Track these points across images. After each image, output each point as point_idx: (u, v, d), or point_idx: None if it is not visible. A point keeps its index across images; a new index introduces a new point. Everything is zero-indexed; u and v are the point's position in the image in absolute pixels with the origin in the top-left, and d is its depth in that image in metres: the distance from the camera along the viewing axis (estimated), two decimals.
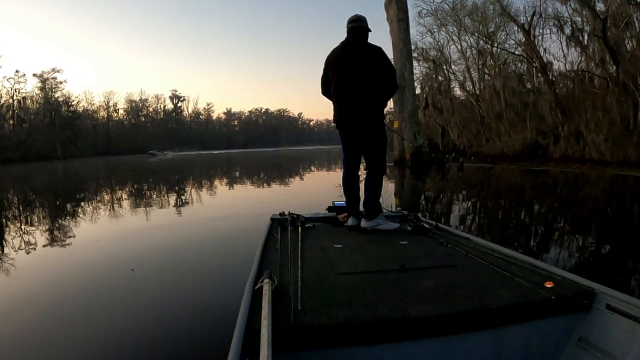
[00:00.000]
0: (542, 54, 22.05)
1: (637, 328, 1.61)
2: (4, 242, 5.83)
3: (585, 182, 12.33)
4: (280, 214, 3.73)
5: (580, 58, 21.03)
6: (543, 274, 2.06)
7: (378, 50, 3.59)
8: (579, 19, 20.48)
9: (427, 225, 3.35)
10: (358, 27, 3.61)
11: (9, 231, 6.80)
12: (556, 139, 19.75)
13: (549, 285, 1.89)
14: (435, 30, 28.87)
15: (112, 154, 78.16)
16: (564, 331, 1.82)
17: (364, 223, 3.49)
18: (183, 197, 11.15)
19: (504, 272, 2.13)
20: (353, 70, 3.54)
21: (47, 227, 7.11)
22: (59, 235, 6.26)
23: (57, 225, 7.28)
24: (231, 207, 9.19)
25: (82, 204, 10.42)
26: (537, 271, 2.11)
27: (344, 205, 3.83)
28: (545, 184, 12.63)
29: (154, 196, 11.88)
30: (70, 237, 6.07)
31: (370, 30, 3.66)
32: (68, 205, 10.22)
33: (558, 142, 19.50)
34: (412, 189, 11.87)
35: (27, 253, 5.09)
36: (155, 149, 75.92)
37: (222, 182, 16.46)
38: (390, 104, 25.45)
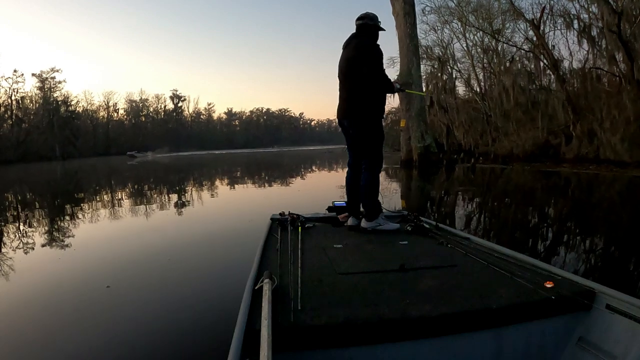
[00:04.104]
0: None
1: (637, 328, 1.61)
2: None
3: (607, 183, 11.81)
4: (280, 214, 3.72)
5: (587, 56, 20.48)
6: (543, 274, 2.05)
7: (365, 46, 3.57)
8: (587, 15, 19.99)
9: (427, 225, 3.35)
10: (359, 24, 3.67)
11: None
12: (568, 138, 19.06)
13: (549, 285, 1.89)
14: (438, 27, 28.36)
15: (112, 154, 77.16)
16: (564, 331, 1.82)
17: (364, 224, 3.50)
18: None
19: (504, 272, 2.13)
20: (343, 67, 3.66)
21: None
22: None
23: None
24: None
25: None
26: (537, 271, 2.11)
27: (344, 205, 3.88)
28: (565, 186, 12.02)
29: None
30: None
31: (371, 26, 3.66)
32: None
33: (570, 142, 18.80)
34: (421, 192, 11.26)
35: None
36: (135, 149, 70.86)
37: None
38: (396, 102, 24.79)
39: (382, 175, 13.52)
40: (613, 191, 10.51)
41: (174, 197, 11.55)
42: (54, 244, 5.80)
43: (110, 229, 6.97)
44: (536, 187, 11.95)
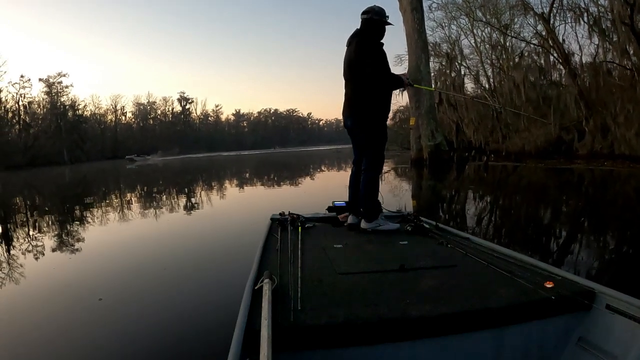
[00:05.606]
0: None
1: (637, 328, 1.60)
2: None
3: (622, 180, 11.55)
4: (280, 213, 3.71)
5: (598, 49, 20.07)
6: (543, 274, 2.05)
7: (365, 47, 3.48)
8: (596, 9, 19.65)
9: (427, 226, 3.34)
10: (364, 19, 3.58)
11: None
12: (580, 134, 18.68)
13: (549, 285, 1.89)
14: (446, 24, 28.10)
15: (120, 157, 77.39)
16: (564, 331, 1.81)
17: (364, 224, 3.47)
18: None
19: (504, 272, 2.12)
20: (346, 68, 3.63)
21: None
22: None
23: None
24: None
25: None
26: (537, 271, 2.10)
27: (344, 205, 3.89)
28: (578, 183, 11.71)
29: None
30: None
31: (376, 21, 3.55)
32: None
33: (583, 137, 18.43)
34: (433, 192, 11.01)
35: None
36: (135, 152, 68.66)
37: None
38: (405, 100, 24.47)
39: (392, 175, 13.26)
40: (629, 187, 10.28)
41: (171, 201, 11.41)
42: (47, 251, 5.63)
43: (108, 232, 6.89)
44: (549, 185, 11.68)
